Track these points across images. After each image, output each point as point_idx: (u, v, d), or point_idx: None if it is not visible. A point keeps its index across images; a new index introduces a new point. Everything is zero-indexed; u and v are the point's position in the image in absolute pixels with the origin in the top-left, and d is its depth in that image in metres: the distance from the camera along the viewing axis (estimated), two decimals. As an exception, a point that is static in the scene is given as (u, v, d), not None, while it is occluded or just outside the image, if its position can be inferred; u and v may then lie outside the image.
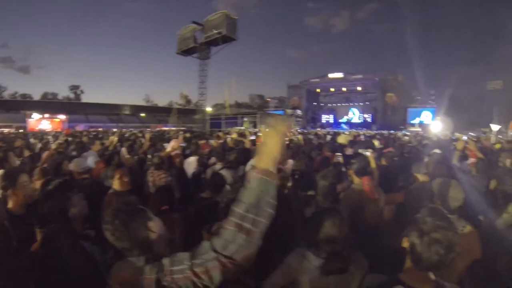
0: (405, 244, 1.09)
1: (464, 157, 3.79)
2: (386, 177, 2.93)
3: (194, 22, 33.31)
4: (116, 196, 2.36)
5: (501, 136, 13.31)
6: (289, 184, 2.69)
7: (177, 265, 0.81)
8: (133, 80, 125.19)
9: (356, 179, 2.34)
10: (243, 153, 3.87)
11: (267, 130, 0.86)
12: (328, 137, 9.71)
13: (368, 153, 2.94)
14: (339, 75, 40.62)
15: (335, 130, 23.43)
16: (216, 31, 30.55)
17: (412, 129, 31.33)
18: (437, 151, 4.24)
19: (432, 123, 27.49)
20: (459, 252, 1.52)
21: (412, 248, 1.04)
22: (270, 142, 0.85)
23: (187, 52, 33.58)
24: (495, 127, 12.22)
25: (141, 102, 58.26)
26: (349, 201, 2.20)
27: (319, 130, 20.30)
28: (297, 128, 26.97)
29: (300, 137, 7.59)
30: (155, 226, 1.02)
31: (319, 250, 1.38)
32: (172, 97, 56.40)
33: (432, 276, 1.04)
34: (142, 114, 48.16)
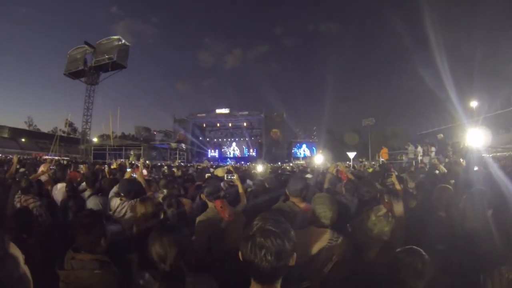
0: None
1: (339, 179, 4.58)
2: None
3: (86, 43, 31.86)
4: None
5: (373, 163, 15.80)
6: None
7: None
8: (13, 98, 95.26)
9: (209, 203, 2.44)
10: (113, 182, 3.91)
11: None
12: (211, 170, 9.86)
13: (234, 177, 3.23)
14: (226, 110, 41.80)
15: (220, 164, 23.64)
16: (107, 56, 29.85)
17: (298, 162, 33.47)
18: (309, 176, 4.65)
19: (315, 156, 30.30)
20: (335, 260, 1.66)
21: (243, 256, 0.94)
22: None
23: (75, 74, 31.69)
24: (351, 154, 13.49)
25: (23, 125, 48.68)
26: (204, 224, 2.27)
27: (198, 164, 19.94)
28: (179, 161, 26.98)
29: (175, 169, 8.48)
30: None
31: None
32: (57, 123, 48.14)
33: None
34: (23, 139, 40.33)
